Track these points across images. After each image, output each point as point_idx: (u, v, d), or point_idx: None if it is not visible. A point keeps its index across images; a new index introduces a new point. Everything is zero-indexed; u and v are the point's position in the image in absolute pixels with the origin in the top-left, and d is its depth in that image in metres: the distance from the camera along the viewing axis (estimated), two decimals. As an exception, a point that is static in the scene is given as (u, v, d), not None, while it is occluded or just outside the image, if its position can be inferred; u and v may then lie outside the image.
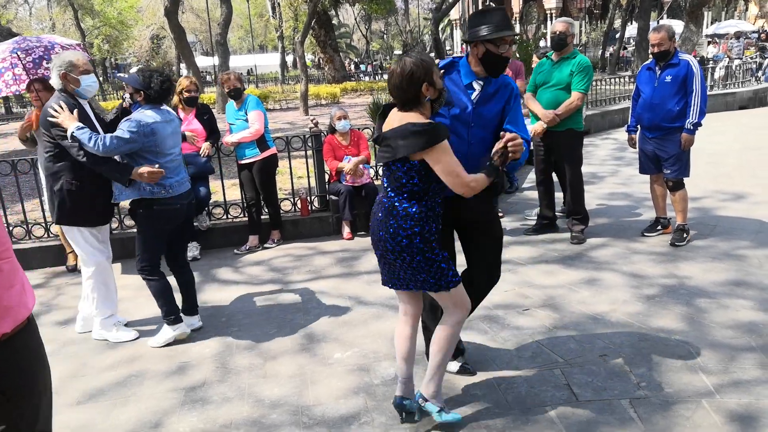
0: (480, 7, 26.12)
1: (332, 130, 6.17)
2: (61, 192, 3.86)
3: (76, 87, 3.83)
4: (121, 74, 3.92)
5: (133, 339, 4.05)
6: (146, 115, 3.71)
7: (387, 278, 2.82)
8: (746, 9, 43.78)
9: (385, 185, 2.72)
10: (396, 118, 2.60)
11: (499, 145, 2.64)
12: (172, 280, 4.03)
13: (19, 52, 5.33)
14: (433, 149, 2.48)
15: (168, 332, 3.94)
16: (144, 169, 3.68)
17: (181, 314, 4.03)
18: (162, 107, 3.84)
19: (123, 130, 3.64)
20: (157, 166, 3.70)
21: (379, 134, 2.66)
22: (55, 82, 3.83)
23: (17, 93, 5.18)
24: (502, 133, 2.73)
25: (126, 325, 4.23)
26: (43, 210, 5.78)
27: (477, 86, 2.96)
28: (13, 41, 5.76)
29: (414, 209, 2.61)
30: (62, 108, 3.69)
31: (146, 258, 3.87)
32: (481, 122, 2.94)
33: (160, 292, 3.90)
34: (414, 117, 2.54)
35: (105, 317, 4.07)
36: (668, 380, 3.12)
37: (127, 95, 3.96)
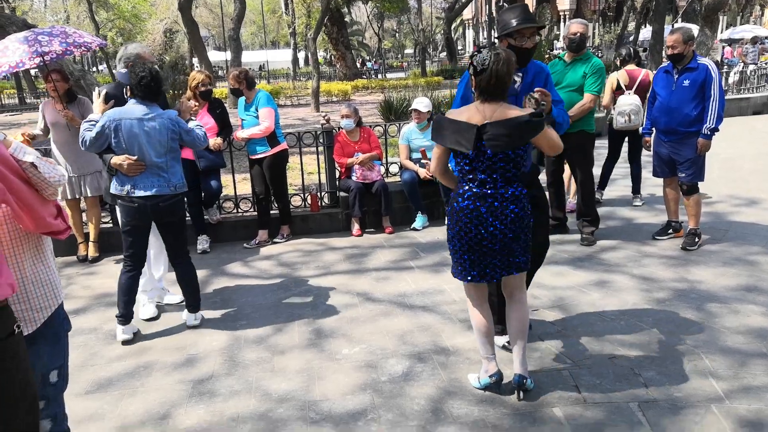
0: (493, 8, 26.06)
1: (344, 126, 6.18)
2: (109, 173, 4.00)
3: None
4: (121, 70, 4.03)
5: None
6: (117, 111, 3.74)
7: (479, 272, 2.98)
8: (762, 14, 43.43)
9: (482, 178, 2.86)
10: (498, 110, 2.78)
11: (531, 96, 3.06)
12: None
13: (41, 36, 5.28)
14: (544, 131, 2.81)
15: (118, 329, 3.93)
16: (119, 159, 3.71)
17: (187, 309, 4.13)
18: (149, 104, 3.76)
19: (94, 126, 3.74)
20: (134, 158, 3.71)
21: (484, 125, 2.75)
22: (121, 71, 4.12)
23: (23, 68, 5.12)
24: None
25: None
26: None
27: (517, 78, 3.31)
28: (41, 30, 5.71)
29: (525, 191, 2.93)
30: (99, 95, 3.90)
31: (124, 250, 3.92)
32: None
33: (118, 288, 3.91)
34: (515, 108, 2.83)
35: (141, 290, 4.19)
36: (677, 384, 3.10)
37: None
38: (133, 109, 3.73)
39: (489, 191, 2.85)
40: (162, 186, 3.79)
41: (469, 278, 3.00)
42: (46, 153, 5.62)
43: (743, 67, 16.25)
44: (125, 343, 3.90)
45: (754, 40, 20.04)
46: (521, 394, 3.03)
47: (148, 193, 3.75)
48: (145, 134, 3.71)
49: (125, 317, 3.92)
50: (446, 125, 2.87)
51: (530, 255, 3.06)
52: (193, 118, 4.15)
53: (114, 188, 3.81)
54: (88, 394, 3.32)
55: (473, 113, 2.82)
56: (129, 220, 3.83)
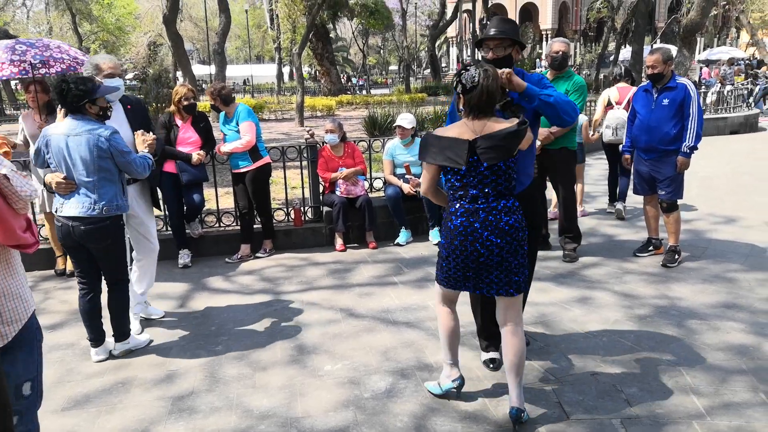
0: (477, 26, 26.38)
1: (328, 141, 6.18)
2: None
3: None
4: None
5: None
6: (52, 126, 3.59)
7: (474, 284, 2.94)
8: (738, 36, 44.51)
9: (473, 193, 2.84)
10: (487, 124, 2.79)
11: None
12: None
13: (18, 45, 5.28)
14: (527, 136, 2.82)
15: (92, 351, 3.85)
16: (49, 176, 3.55)
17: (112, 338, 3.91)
18: (81, 119, 3.49)
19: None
20: (62, 176, 3.52)
21: (476, 139, 2.76)
22: None
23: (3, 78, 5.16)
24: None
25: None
26: (33, 212, 5.72)
27: None
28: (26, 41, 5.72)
29: (517, 204, 2.89)
30: (61, 109, 3.75)
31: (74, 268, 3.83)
32: None
33: (80, 313, 3.80)
34: (502, 121, 2.82)
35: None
36: (659, 401, 3.12)
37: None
38: (64, 124, 3.50)
39: (481, 205, 2.82)
40: (87, 208, 3.51)
41: (463, 289, 2.98)
42: (25, 165, 5.55)
43: (720, 88, 16.60)
44: (101, 361, 3.84)
45: (731, 62, 20.48)
46: (517, 427, 2.92)
47: (71, 214, 3.51)
48: (70, 151, 3.47)
49: (96, 339, 3.83)
50: (434, 143, 2.85)
51: (527, 275, 2.95)
52: (144, 150, 3.84)
53: (52, 205, 3.69)
54: (65, 411, 3.24)
55: (463, 129, 2.81)
56: (61, 240, 3.65)
